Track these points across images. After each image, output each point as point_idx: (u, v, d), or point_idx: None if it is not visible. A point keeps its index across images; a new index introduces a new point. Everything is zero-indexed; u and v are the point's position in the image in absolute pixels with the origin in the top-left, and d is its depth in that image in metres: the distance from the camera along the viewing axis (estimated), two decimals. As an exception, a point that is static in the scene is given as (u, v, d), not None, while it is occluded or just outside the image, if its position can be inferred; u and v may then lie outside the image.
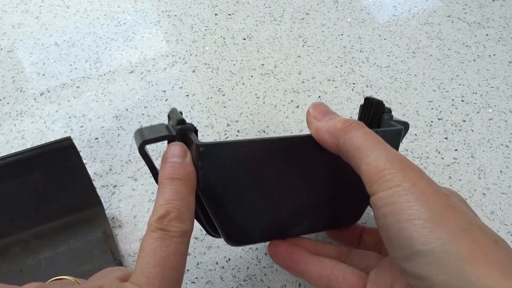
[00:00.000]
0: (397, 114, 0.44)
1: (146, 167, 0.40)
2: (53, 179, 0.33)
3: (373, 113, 0.30)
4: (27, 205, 0.33)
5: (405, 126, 0.30)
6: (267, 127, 0.43)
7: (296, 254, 0.27)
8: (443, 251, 0.17)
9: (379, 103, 0.30)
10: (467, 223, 0.19)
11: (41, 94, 0.46)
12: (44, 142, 0.32)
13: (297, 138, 0.26)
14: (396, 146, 0.28)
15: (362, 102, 0.32)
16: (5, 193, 0.32)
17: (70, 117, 0.44)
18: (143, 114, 0.44)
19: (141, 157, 0.25)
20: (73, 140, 0.32)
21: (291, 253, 0.28)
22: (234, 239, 0.27)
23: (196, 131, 0.25)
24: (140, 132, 0.25)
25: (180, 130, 0.24)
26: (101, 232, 0.34)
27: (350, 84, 0.47)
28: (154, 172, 0.26)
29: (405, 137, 0.42)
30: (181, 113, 0.26)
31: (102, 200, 0.35)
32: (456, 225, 0.18)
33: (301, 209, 0.28)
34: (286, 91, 0.46)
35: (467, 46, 0.51)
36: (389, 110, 0.30)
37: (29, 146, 0.41)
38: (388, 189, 0.20)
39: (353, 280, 0.25)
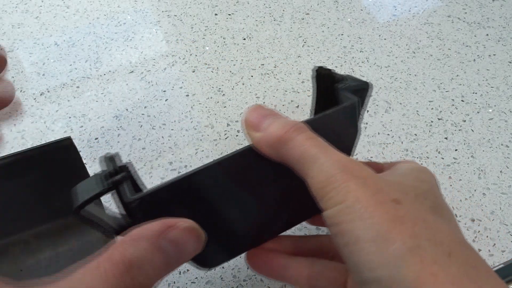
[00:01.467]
0: (397, 114, 0.44)
1: (146, 167, 0.40)
2: (53, 179, 0.32)
3: (326, 85, 0.27)
4: (27, 205, 0.33)
5: (362, 90, 0.26)
6: (267, 127, 0.43)
7: (272, 261, 0.26)
8: (389, 279, 0.16)
9: (329, 74, 0.27)
10: (415, 237, 0.17)
11: (41, 94, 0.46)
12: (44, 142, 0.31)
13: (240, 153, 0.22)
14: (353, 121, 0.25)
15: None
16: (5, 193, 0.32)
17: (70, 117, 0.44)
18: (143, 114, 0.44)
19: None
20: (73, 140, 0.32)
21: (267, 261, 0.26)
22: (208, 264, 0.26)
23: (131, 178, 0.23)
24: (74, 195, 0.22)
25: (114, 183, 0.22)
26: (100, 233, 0.34)
27: (350, 84, 0.47)
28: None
29: (405, 137, 0.42)
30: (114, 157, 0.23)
31: (102, 200, 0.35)
32: (403, 244, 0.16)
33: (267, 213, 0.26)
34: (286, 91, 0.46)
35: (467, 46, 0.51)
36: (342, 78, 0.26)
37: (29, 146, 0.41)
38: (333, 207, 0.18)
39: (332, 276, 0.24)
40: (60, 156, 0.32)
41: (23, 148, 0.35)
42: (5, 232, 0.33)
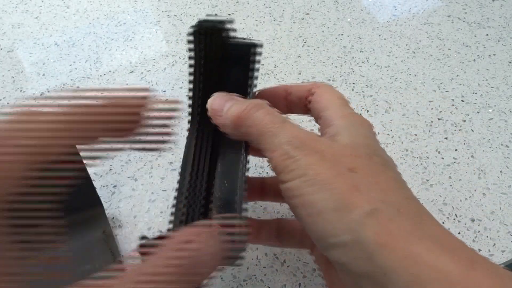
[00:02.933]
0: (397, 114, 0.44)
1: (146, 167, 0.40)
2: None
3: (213, 49, 0.25)
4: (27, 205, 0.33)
5: (251, 49, 0.25)
6: (267, 127, 0.43)
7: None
8: (353, 242, 0.18)
9: (216, 31, 0.24)
10: (373, 202, 0.18)
11: (41, 94, 0.46)
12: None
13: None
14: (252, 74, 0.25)
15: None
16: None
17: (70, 117, 0.44)
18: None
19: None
20: None
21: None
22: None
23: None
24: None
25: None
26: (101, 232, 0.34)
27: (350, 84, 0.47)
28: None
29: (405, 137, 0.42)
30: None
31: (102, 200, 0.35)
32: (362, 210, 0.18)
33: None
34: (286, 91, 0.46)
35: (467, 46, 0.51)
36: (226, 34, 0.24)
37: (29, 146, 0.41)
38: (293, 179, 0.19)
39: (299, 234, 0.27)
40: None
41: None
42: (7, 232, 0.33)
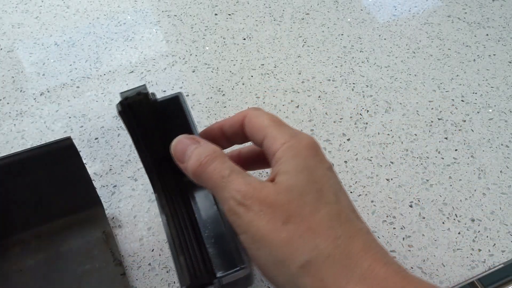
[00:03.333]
0: (397, 114, 0.44)
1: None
2: (53, 179, 0.33)
3: (146, 114, 0.27)
4: (27, 205, 0.33)
5: (179, 98, 0.29)
6: (267, 127, 0.43)
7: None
8: None
9: (143, 97, 0.26)
10: (306, 253, 0.20)
11: (41, 94, 0.46)
12: (44, 142, 0.31)
13: None
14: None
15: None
16: (5, 193, 0.32)
17: (70, 117, 0.44)
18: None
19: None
20: (73, 140, 0.32)
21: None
22: None
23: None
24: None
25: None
26: (101, 232, 0.34)
27: (350, 84, 0.47)
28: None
29: (405, 137, 0.42)
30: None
31: (102, 200, 0.35)
32: (296, 263, 0.20)
33: None
34: (286, 91, 0.46)
35: (467, 46, 0.51)
36: (152, 95, 0.27)
37: (29, 146, 0.41)
38: (240, 234, 0.22)
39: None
40: (60, 156, 0.32)
41: (23, 148, 0.35)
42: (5, 232, 0.33)
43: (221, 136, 0.28)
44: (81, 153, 0.40)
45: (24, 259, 0.32)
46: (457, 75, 0.48)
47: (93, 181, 0.35)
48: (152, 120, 0.27)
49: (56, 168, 0.32)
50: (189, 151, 0.24)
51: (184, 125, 0.28)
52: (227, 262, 0.25)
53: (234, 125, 0.26)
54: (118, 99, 0.45)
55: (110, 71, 0.48)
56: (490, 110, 0.45)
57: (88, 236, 0.34)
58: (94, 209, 0.35)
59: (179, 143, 0.25)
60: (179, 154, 0.24)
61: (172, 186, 0.29)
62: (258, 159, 0.29)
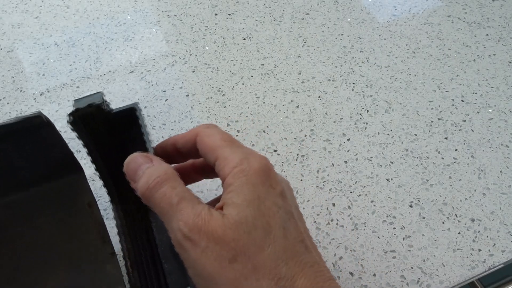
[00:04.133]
0: (397, 114, 0.44)
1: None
2: (23, 149, 0.28)
3: (99, 125, 0.26)
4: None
5: (135, 109, 0.28)
6: (267, 127, 0.43)
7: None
8: None
9: (95, 108, 0.25)
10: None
11: (41, 94, 0.46)
12: (12, 119, 0.27)
13: None
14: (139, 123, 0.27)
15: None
16: None
17: (70, 117, 0.44)
18: (143, 114, 0.44)
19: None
20: (41, 112, 0.27)
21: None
22: None
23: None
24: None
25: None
26: (84, 204, 0.29)
27: (350, 84, 0.47)
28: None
29: (405, 137, 0.42)
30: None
31: (103, 200, 0.35)
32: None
33: None
34: (286, 91, 0.46)
35: (467, 46, 0.51)
36: (106, 106, 0.26)
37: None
38: (187, 267, 0.21)
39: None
40: (31, 130, 0.27)
41: None
42: None
43: (176, 153, 0.27)
44: (80, 153, 0.40)
45: None
46: (457, 75, 0.48)
47: (92, 180, 0.34)
48: (106, 131, 0.26)
49: (26, 140, 0.28)
50: (140, 171, 0.23)
51: (139, 138, 0.27)
52: (182, 279, 0.25)
53: (187, 143, 0.26)
54: (117, 98, 0.45)
55: (110, 71, 0.48)
56: (490, 110, 0.45)
57: (68, 208, 0.29)
58: (73, 176, 0.29)
59: (132, 161, 0.24)
60: (131, 173, 0.23)
61: (130, 198, 0.28)
62: (213, 169, 0.29)
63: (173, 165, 0.24)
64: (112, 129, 0.27)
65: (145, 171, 0.23)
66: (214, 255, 0.20)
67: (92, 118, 0.25)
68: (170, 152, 0.27)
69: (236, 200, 0.21)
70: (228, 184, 0.22)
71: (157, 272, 0.25)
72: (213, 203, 0.24)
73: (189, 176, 0.29)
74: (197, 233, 0.20)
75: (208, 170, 0.28)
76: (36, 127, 0.27)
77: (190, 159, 0.28)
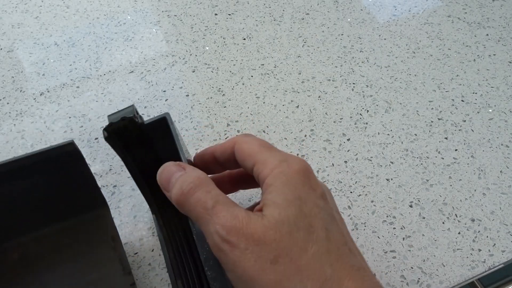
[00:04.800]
0: (397, 114, 0.44)
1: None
2: (54, 182, 0.30)
3: (133, 138, 0.26)
4: (26, 208, 0.31)
5: (166, 119, 0.28)
6: (267, 127, 0.43)
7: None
8: None
9: (128, 121, 0.25)
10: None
11: (41, 94, 0.46)
12: (46, 147, 0.29)
13: None
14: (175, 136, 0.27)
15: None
16: (4, 197, 0.30)
17: (70, 117, 0.44)
18: (143, 114, 0.44)
19: None
20: (74, 141, 0.31)
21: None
22: None
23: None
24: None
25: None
26: (107, 237, 0.31)
27: (350, 84, 0.47)
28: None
29: (405, 137, 0.42)
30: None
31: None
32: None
33: None
34: (286, 91, 0.46)
35: (467, 46, 0.51)
36: (139, 118, 0.27)
37: (29, 146, 0.41)
38: (227, 271, 0.21)
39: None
40: (62, 160, 0.29)
41: (23, 148, 0.34)
42: (3, 237, 0.31)
43: (214, 162, 0.27)
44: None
45: (23, 265, 0.30)
46: (457, 75, 0.48)
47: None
48: (140, 143, 0.27)
49: (57, 171, 0.30)
50: (173, 179, 0.23)
51: (172, 147, 0.27)
52: (226, 285, 0.25)
53: (225, 152, 0.26)
54: (117, 98, 0.45)
55: (110, 71, 0.48)
56: (490, 110, 0.45)
57: (93, 241, 0.31)
58: (98, 210, 0.32)
59: (165, 171, 0.24)
60: (165, 182, 0.23)
61: (170, 207, 0.28)
62: (248, 178, 0.28)
63: (209, 176, 0.24)
64: (145, 140, 0.27)
65: (178, 178, 0.23)
66: (254, 256, 0.20)
67: (126, 131, 0.26)
68: (208, 162, 0.27)
69: (277, 199, 0.21)
70: (268, 184, 0.22)
71: (201, 280, 0.25)
72: (251, 209, 0.23)
73: (224, 187, 0.28)
74: (236, 235, 0.20)
75: (244, 180, 0.28)
76: (67, 155, 0.29)
77: (228, 169, 0.28)
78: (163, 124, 0.28)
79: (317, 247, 0.20)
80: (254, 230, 0.20)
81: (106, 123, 0.43)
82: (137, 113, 0.26)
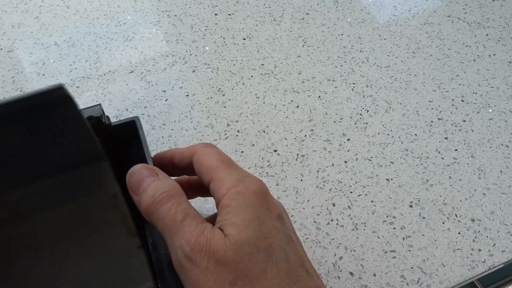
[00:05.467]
0: (397, 114, 0.44)
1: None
2: (43, 130, 0.26)
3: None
4: (12, 161, 0.26)
5: (135, 122, 0.28)
6: (267, 127, 0.43)
7: None
8: None
9: (94, 122, 0.25)
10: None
11: (41, 94, 0.46)
12: (31, 92, 0.25)
13: None
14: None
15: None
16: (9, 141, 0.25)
17: (70, 117, 0.44)
18: (143, 114, 0.44)
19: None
20: (64, 85, 0.26)
21: None
22: None
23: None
24: None
25: None
26: (108, 194, 0.27)
27: (350, 84, 0.47)
28: None
29: (405, 137, 0.42)
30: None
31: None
32: None
33: None
34: (286, 91, 0.46)
35: (467, 46, 0.51)
36: (106, 118, 0.26)
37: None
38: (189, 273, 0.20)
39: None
40: (51, 106, 0.26)
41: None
42: None
43: (172, 166, 0.26)
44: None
45: (15, 225, 0.26)
46: (457, 75, 0.48)
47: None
48: (105, 144, 0.26)
49: (46, 120, 0.26)
50: (145, 183, 0.22)
51: (139, 151, 0.26)
52: None
53: (183, 160, 0.25)
54: (117, 98, 0.45)
55: (110, 71, 0.48)
56: (490, 110, 0.45)
57: (93, 198, 0.27)
58: (96, 165, 0.27)
59: (136, 172, 0.23)
60: (134, 184, 0.23)
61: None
62: (207, 188, 0.27)
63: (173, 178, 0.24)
64: (111, 142, 0.26)
65: (151, 184, 0.22)
66: (214, 277, 0.19)
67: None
68: (166, 165, 0.26)
69: (235, 220, 0.21)
70: (225, 205, 0.21)
71: None
72: (211, 220, 0.23)
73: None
74: (198, 253, 0.20)
75: (203, 189, 0.27)
76: (57, 102, 0.25)
77: (186, 174, 0.27)
78: (131, 128, 0.27)
79: (276, 269, 0.20)
80: (216, 249, 0.20)
81: (106, 123, 0.43)
82: (104, 114, 0.25)
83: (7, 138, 0.25)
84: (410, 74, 0.48)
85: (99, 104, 0.25)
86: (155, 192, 0.21)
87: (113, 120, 0.30)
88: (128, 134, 0.27)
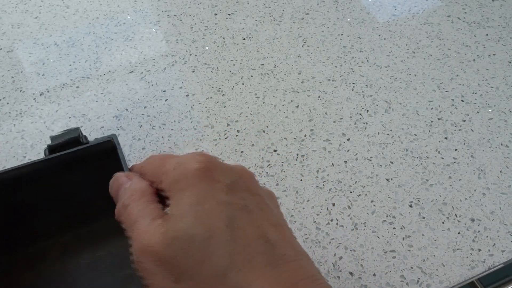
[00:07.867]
0: (397, 114, 0.44)
1: (146, 167, 0.40)
2: (92, 180, 0.30)
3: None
4: (67, 207, 0.31)
5: (113, 140, 0.29)
6: (267, 127, 0.43)
7: None
8: None
9: (72, 140, 0.27)
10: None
11: (40, 94, 0.46)
12: (87, 144, 0.29)
13: None
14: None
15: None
16: (44, 195, 0.30)
17: (70, 117, 0.44)
18: (142, 114, 0.44)
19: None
20: (115, 135, 0.30)
21: None
22: None
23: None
24: None
25: None
26: None
27: (350, 84, 0.47)
28: None
29: (405, 137, 0.42)
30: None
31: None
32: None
33: None
34: (286, 91, 0.46)
35: (467, 46, 0.51)
36: (83, 138, 0.27)
37: (28, 146, 0.41)
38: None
39: None
40: (101, 156, 0.29)
41: (23, 150, 0.34)
42: (44, 234, 0.32)
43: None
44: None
45: (63, 262, 0.31)
46: (457, 75, 0.48)
47: None
48: (85, 162, 0.27)
49: (96, 169, 0.30)
50: (121, 190, 0.22)
51: (118, 169, 0.27)
52: None
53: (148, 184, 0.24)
54: (117, 98, 0.45)
55: (110, 71, 0.48)
56: (490, 110, 0.45)
57: (127, 240, 0.31)
58: None
59: (115, 181, 0.23)
60: (114, 193, 0.22)
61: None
62: None
63: None
64: (90, 160, 0.28)
65: (124, 190, 0.22)
66: (160, 277, 0.19)
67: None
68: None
69: (174, 211, 0.20)
70: (167, 196, 0.20)
71: None
72: None
73: None
74: (143, 256, 0.19)
75: None
76: (107, 152, 0.29)
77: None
78: (108, 145, 0.28)
79: (216, 256, 0.18)
80: (156, 248, 0.19)
81: (105, 123, 0.43)
82: (81, 134, 0.27)
83: (62, 185, 0.30)
84: (410, 74, 0.48)
85: (77, 127, 0.27)
86: (124, 196, 0.21)
87: (98, 133, 0.31)
88: (107, 150, 0.28)
